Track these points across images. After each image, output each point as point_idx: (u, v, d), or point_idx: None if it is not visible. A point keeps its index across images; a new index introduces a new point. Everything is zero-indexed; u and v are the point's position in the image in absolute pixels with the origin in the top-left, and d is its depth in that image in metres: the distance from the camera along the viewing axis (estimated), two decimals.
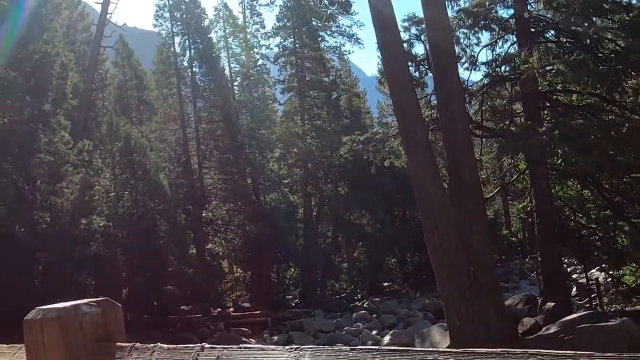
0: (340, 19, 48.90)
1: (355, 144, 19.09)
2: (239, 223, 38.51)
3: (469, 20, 17.19)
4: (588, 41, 14.65)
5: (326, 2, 19.56)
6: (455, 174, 16.03)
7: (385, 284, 48.68)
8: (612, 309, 19.16)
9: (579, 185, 19.95)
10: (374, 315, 36.04)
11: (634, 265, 19.32)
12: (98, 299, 2.24)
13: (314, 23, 46.16)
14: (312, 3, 46.41)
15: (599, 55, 14.93)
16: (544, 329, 15.35)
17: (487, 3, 16.93)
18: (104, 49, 45.60)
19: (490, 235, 16.81)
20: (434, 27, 15.67)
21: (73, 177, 23.54)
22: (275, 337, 31.43)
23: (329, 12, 48.91)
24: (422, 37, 19.28)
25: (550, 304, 16.44)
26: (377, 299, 40.75)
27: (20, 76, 21.81)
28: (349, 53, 49.02)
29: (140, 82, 48.86)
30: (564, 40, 16.31)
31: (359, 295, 44.80)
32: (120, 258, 30.23)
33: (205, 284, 34.17)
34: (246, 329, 32.47)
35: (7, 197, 21.06)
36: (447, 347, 15.51)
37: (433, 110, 18.74)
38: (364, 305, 39.39)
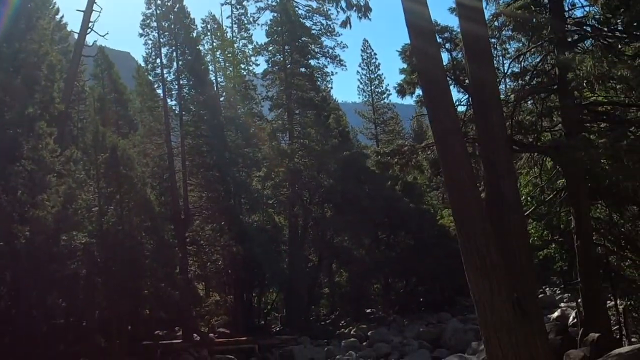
0: (324, 39, 48.11)
1: (381, 156, 17.66)
2: (224, 244, 36.54)
3: (509, 25, 16.03)
4: None
5: (343, 5, 18.00)
6: (495, 190, 14.60)
7: (368, 310, 47.11)
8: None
9: (607, 208, 18.91)
10: (365, 344, 34.39)
11: None
12: None
13: (302, 40, 45.07)
14: (303, 18, 45.47)
15: None
16: None
17: (522, 11, 15.81)
18: (83, 60, 43.65)
19: (532, 258, 15.42)
20: (470, 26, 14.42)
21: (58, 188, 21.53)
22: None
23: (313, 32, 48.18)
24: (447, 45, 18.08)
25: (594, 335, 15.10)
26: (364, 326, 39.12)
27: (2, 74, 19.90)
28: (332, 74, 48.13)
29: (120, 95, 47.06)
30: (618, 46, 15.21)
31: (343, 322, 43.13)
32: (97, 279, 28.05)
33: (188, 307, 32.14)
34: (232, 357, 30.48)
35: None
36: None
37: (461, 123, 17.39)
38: (352, 333, 37.72)
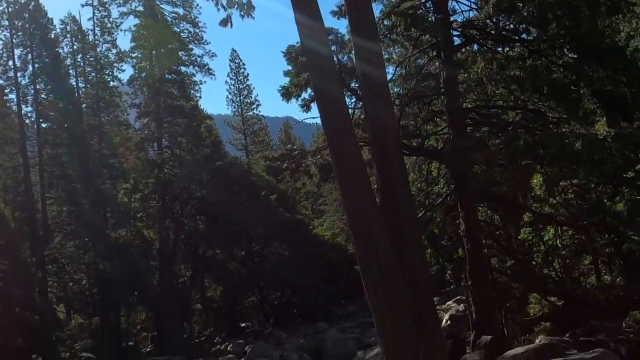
0: (192, 47, 46.51)
1: (271, 161, 16.79)
2: (88, 262, 33.85)
3: (400, 26, 15.79)
4: (543, 47, 13.84)
5: (224, 3, 17.06)
6: (390, 195, 14.15)
7: (243, 324, 45.89)
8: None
9: (489, 211, 19.35)
10: (243, 359, 33.25)
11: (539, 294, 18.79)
12: None
13: (171, 46, 43.22)
14: (170, 24, 43.62)
15: (554, 64, 14.23)
16: None
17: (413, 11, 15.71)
18: None
19: (428, 265, 15.17)
20: (361, 28, 13.98)
21: None
22: None
23: (185, 38, 46.50)
24: (333, 47, 17.69)
25: (487, 338, 15.15)
26: (241, 341, 37.90)
27: None
28: (201, 84, 46.29)
29: None
30: (504, 50, 15.47)
31: (219, 338, 41.60)
32: None
33: (48, 333, 29.31)
34: None
35: None
36: None
37: None
38: (229, 349, 36.35)
